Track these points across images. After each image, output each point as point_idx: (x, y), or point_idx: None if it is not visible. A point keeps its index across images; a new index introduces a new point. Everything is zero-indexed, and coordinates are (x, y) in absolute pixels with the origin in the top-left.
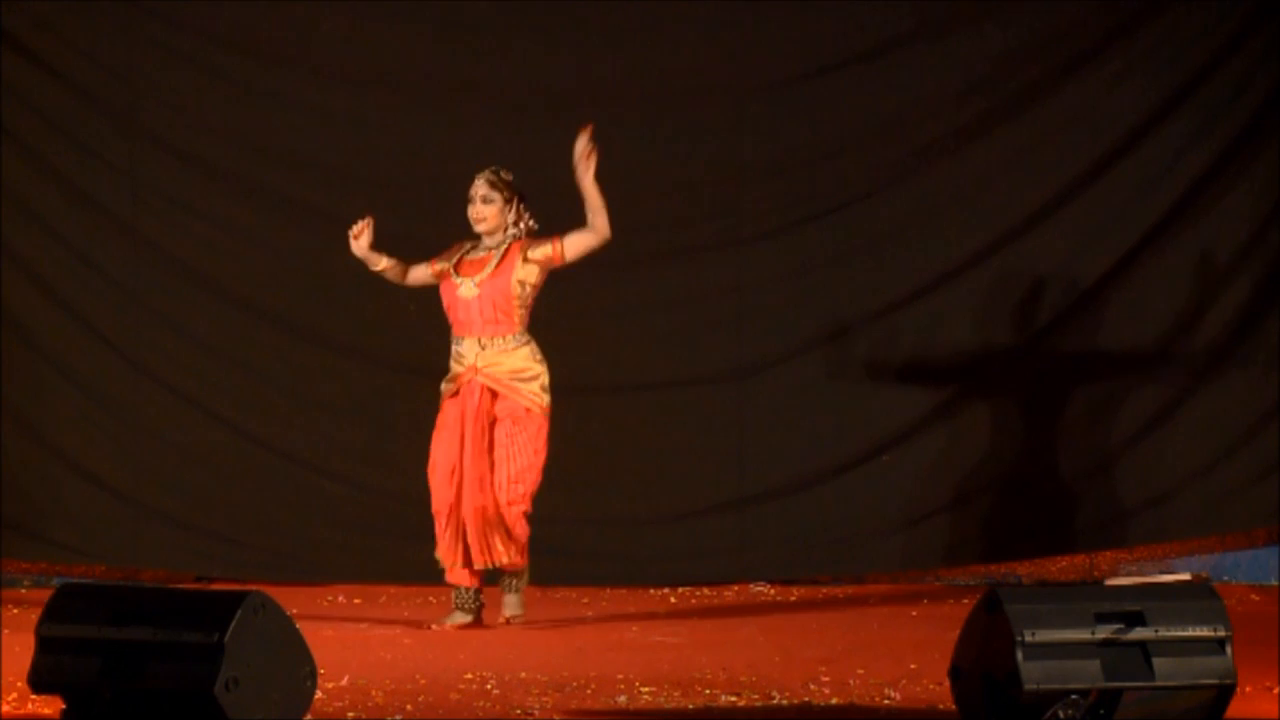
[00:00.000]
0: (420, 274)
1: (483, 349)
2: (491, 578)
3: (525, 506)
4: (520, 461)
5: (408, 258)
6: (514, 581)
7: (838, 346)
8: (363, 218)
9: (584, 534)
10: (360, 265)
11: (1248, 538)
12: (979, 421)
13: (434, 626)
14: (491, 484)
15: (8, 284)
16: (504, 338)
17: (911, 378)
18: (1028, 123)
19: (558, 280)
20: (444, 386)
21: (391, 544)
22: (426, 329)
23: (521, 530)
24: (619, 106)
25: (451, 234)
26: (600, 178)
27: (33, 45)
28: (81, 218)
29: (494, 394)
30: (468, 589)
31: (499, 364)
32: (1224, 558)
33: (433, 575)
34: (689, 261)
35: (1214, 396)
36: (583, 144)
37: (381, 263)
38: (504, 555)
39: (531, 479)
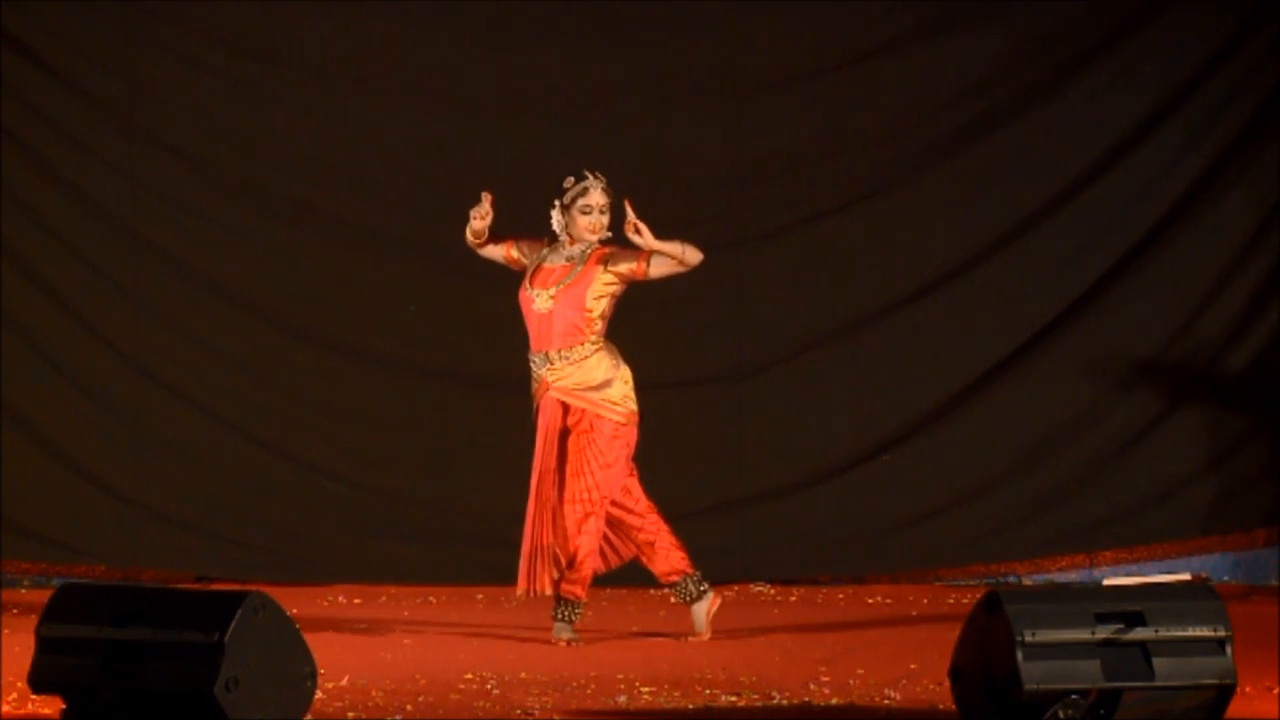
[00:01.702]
0: (494, 251)
1: (551, 363)
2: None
3: (594, 530)
4: (586, 479)
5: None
6: (567, 611)
7: (837, 347)
8: (484, 198)
9: None
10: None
11: (1248, 538)
12: (978, 422)
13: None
14: (558, 507)
15: (8, 284)
16: (572, 349)
17: (911, 378)
18: (1027, 123)
19: None
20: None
21: (391, 544)
22: (427, 329)
23: (588, 560)
24: (619, 106)
25: (453, 233)
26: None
27: (33, 45)
28: (81, 218)
29: (566, 407)
30: (557, 603)
31: (567, 376)
32: (1224, 558)
33: (432, 575)
34: None
35: (1214, 396)
36: (630, 216)
37: (485, 235)
38: (551, 584)
39: (599, 496)
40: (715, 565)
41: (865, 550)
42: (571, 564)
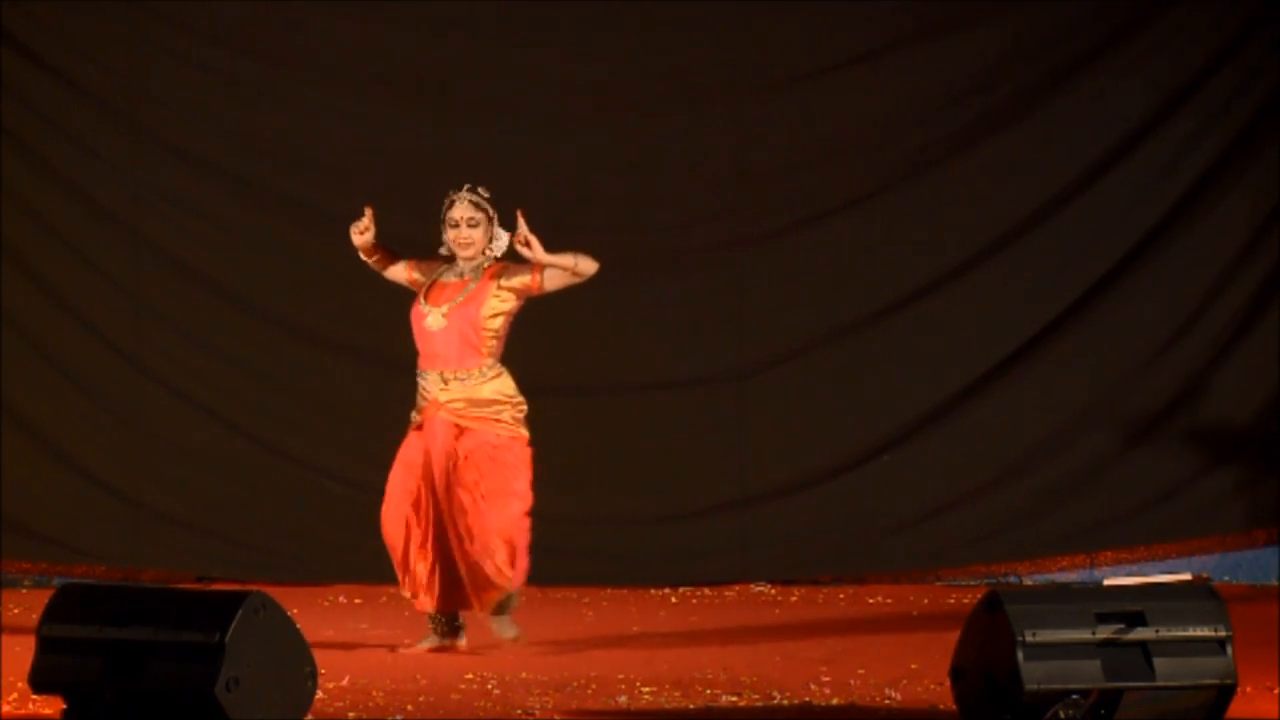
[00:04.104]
0: (398, 273)
1: (445, 384)
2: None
3: (527, 524)
4: (515, 485)
5: (395, 250)
6: (505, 603)
7: (837, 347)
8: (365, 212)
9: (584, 534)
10: (353, 254)
11: (1248, 538)
12: (979, 421)
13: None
14: (471, 524)
15: (8, 284)
16: (469, 371)
17: (911, 378)
18: (1028, 124)
19: None
20: (412, 417)
21: None
22: None
23: (523, 558)
24: (620, 106)
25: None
26: (602, 177)
27: (33, 45)
28: (81, 218)
29: (460, 430)
30: (440, 614)
31: (463, 399)
32: (1224, 558)
33: None
34: (690, 261)
35: (1214, 396)
36: (521, 229)
37: (376, 255)
38: (492, 591)
39: (522, 505)
40: (715, 565)
41: (865, 550)
42: (511, 558)
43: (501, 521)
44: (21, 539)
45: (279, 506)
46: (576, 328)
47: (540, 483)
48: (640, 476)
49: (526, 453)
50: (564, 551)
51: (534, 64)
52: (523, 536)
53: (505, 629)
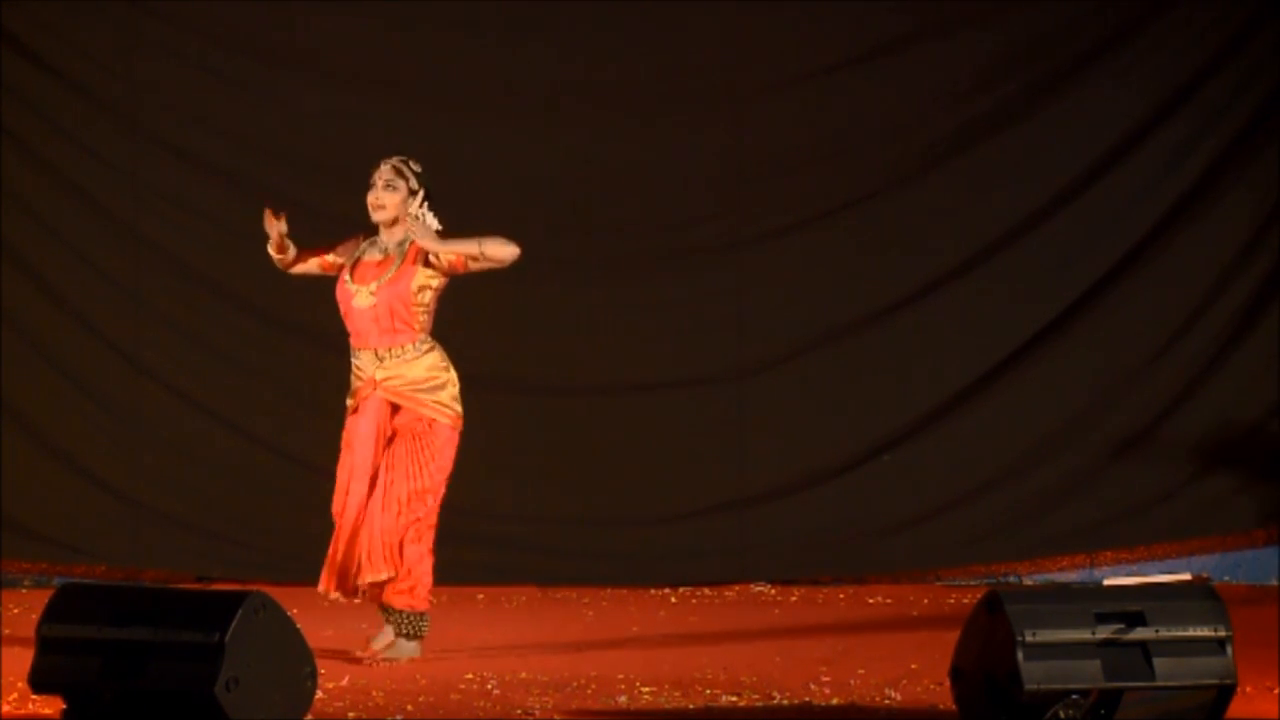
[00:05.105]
0: (308, 265)
1: (380, 361)
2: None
3: (428, 541)
4: (419, 482)
5: (304, 245)
6: (417, 625)
7: (837, 347)
8: (279, 215)
9: (584, 534)
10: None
11: (1248, 538)
12: (979, 421)
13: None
14: (380, 511)
15: (8, 284)
16: (403, 348)
17: (911, 378)
18: (1028, 124)
19: (557, 280)
20: (347, 402)
21: None
22: None
23: (423, 571)
24: (619, 106)
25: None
26: (601, 177)
27: (33, 45)
28: (81, 218)
29: (395, 408)
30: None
31: (399, 376)
32: (1224, 558)
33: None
34: (689, 262)
35: (1214, 396)
36: (412, 211)
37: (290, 252)
38: (383, 581)
39: (433, 502)
40: (715, 565)
41: (865, 550)
42: (408, 573)
43: (402, 525)
44: (21, 539)
45: (279, 506)
46: (576, 328)
47: (540, 483)
48: (640, 476)
49: (454, 437)
50: (564, 551)
51: (533, 64)
52: (426, 523)
53: (405, 649)
